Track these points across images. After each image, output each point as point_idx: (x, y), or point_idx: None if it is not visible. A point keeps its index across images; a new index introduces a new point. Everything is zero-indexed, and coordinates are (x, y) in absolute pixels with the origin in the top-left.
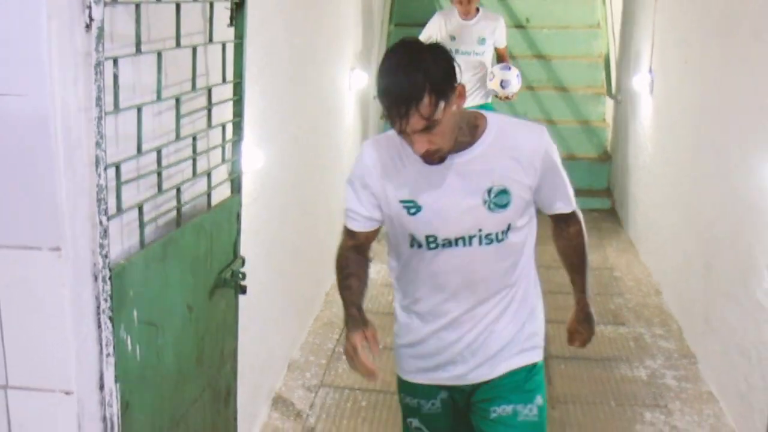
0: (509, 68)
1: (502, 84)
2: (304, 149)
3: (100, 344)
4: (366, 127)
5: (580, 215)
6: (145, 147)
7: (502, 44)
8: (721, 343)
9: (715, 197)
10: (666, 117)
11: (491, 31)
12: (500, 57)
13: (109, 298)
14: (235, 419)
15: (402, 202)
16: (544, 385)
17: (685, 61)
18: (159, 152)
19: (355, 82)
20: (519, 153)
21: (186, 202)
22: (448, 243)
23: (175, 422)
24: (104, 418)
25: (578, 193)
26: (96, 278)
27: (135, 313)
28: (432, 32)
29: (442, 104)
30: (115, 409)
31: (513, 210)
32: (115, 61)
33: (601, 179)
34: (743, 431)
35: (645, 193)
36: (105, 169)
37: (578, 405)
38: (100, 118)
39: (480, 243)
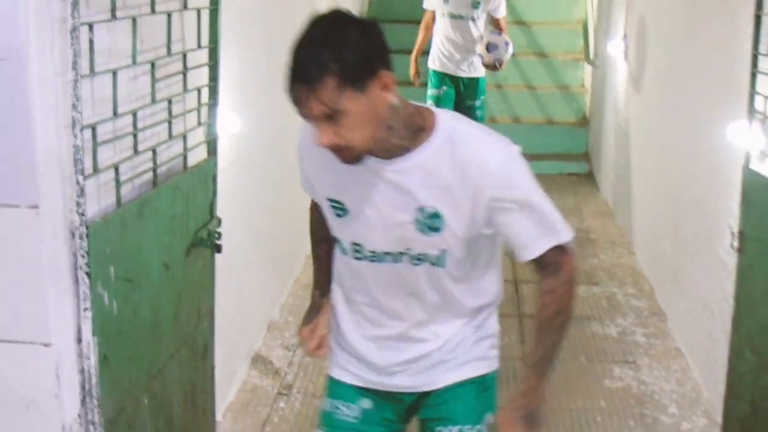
0: (500, 33)
1: (488, 47)
2: (282, 115)
3: (78, 299)
4: None
5: (568, 271)
6: (120, 110)
7: (499, 13)
8: (688, 301)
9: (682, 160)
10: (638, 82)
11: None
12: (497, 29)
13: (86, 255)
14: (213, 375)
15: (329, 200)
16: (495, 401)
17: (656, 26)
18: (135, 115)
19: None
20: (465, 176)
21: (162, 163)
22: (369, 255)
23: (152, 375)
24: (82, 370)
25: (557, 157)
26: (73, 235)
27: (112, 269)
28: None
29: (350, 91)
30: (92, 361)
31: (448, 238)
32: (91, 27)
33: (579, 143)
34: (707, 384)
35: (620, 156)
36: (81, 130)
37: None
38: (75, 82)
39: (411, 263)
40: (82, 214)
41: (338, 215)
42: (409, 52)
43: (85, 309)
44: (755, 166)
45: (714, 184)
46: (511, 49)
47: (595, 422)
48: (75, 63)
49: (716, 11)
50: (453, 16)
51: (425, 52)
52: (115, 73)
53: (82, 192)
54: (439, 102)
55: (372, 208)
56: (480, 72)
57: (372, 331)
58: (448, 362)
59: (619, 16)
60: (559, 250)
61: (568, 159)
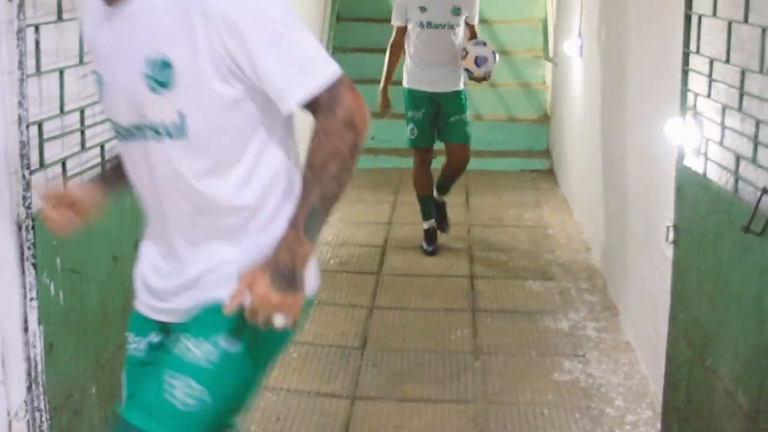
0: (484, 44)
1: (477, 61)
2: None
3: (24, 289)
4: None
5: (344, 109)
6: (68, 107)
7: (475, 20)
8: (637, 295)
9: (629, 156)
10: (593, 79)
11: (467, 0)
12: (471, 36)
13: (32, 246)
14: None
15: (95, 72)
16: (235, 332)
17: (607, 24)
18: (82, 112)
19: None
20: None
21: (110, 159)
22: (124, 134)
23: (100, 365)
24: (28, 358)
25: (519, 154)
26: (20, 227)
27: (58, 260)
28: (395, 10)
29: None
30: (38, 349)
31: (182, 93)
32: (37, 28)
33: (541, 140)
34: (653, 377)
35: (578, 153)
36: (27, 127)
37: (500, 355)
38: (22, 80)
39: (154, 137)
40: (29, 207)
41: (99, 89)
42: (376, 81)
43: (32, 299)
44: (689, 161)
45: (656, 179)
46: (498, 59)
47: (542, 415)
48: (21, 62)
49: (658, 10)
50: (431, 26)
51: (397, 82)
52: (62, 72)
53: (28, 186)
54: (419, 125)
55: (109, 67)
56: (461, 84)
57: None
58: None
59: (575, 14)
60: (331, 89)
61: (530, 156)
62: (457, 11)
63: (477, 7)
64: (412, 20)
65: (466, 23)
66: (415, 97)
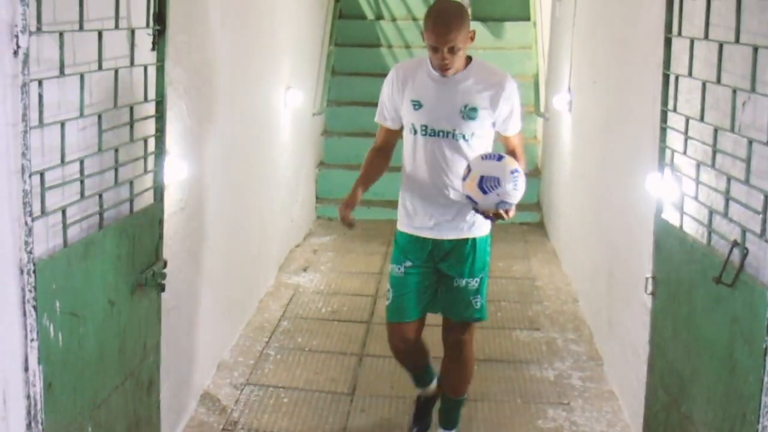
0: (499, 158)
1: (483, 185)
2: (237, 163)
3: (25, 330)
4: (304, 143)
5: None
6: (69, 158)
7: (511, 130)
8: (620, 345)
9: (614, 209)
10: (581, 134)
11: (489, 97)
12: (509, 152)
13: (33, 290)
14: (158, 408)
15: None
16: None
17: (594, 81)
18: (82, 162)
19: (291, 100)
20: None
21: (108, 207)
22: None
23: (96, 405)
24: (28, 396)
25: None
26: (22, 271)
27: (58, 303)
28: (385, 99)
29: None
30: (38, 388)
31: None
32: (40, 83)
33: (531, 194)
34: (635, 426)
35: (566, 206)
36: (30, 176)
37: (486, 402)
38: (25, 132)
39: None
40: (30, 252)
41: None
42: (354, 167)
43: (32, 339)
44: (666, 214)
45: (638, 232)
46: (522, 183)
47: None
48: (25, 115)
49: (640, 69)
50: (430, 133)
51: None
52: (63, 124)
53: (30, 232)
54: (400, 288)
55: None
56: (479, 229)
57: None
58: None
59: (564, 70)
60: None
61: (520, 209)
62: (471, 113)
63: (512, 109)
64: (406, 120)
65: (500, 133)
66: (402, 243)
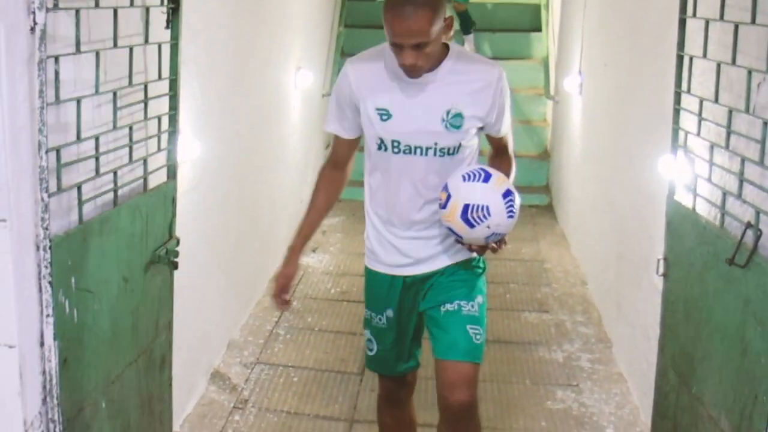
0: (485, 177)
1: (467, 215)
2: (247, 143)
3: (41, 306)
4: (314, 124)
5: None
6: (84, 135)
7: (503, 131)
8: (630, 327)
9: (625, 192)
10: (591, 116)
11: (477, 96)
12: (496, 156)
13: (49, 266)
14: (170, 386)
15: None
16: None
17: (605, 63)
18: (97, 139)
19: (301, 81)
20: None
21: (123, 185)
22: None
23: (110, 381)
24: (44, 372)
25: (519, 189)
26: (38, 247)
27: (73, 280)
28: (342, 103)
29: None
30: (53, 363)
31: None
32: (56, 59)
33: (540, 176)
34: (644, 407)
35: (576, 188)
36: (46, 152)
37: (495, 383)
38: (42, 109)
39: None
40: (46, 229)
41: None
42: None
43: (48, 315)
44: (679, 196)
45: (649, 214)
46: (518, 207)
47: None
48: (41, 92)
49: (653, 51)
50: (405, 150)
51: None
52: (79, 102)
53: (46, 208)
54: (382, 338)
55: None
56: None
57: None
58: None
59: (575, 52)
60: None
61: (530, 191)
62: (455, 120)
63: (504, 107)
64: (367, 134)
65: (489, 137)
66: (375, 286)
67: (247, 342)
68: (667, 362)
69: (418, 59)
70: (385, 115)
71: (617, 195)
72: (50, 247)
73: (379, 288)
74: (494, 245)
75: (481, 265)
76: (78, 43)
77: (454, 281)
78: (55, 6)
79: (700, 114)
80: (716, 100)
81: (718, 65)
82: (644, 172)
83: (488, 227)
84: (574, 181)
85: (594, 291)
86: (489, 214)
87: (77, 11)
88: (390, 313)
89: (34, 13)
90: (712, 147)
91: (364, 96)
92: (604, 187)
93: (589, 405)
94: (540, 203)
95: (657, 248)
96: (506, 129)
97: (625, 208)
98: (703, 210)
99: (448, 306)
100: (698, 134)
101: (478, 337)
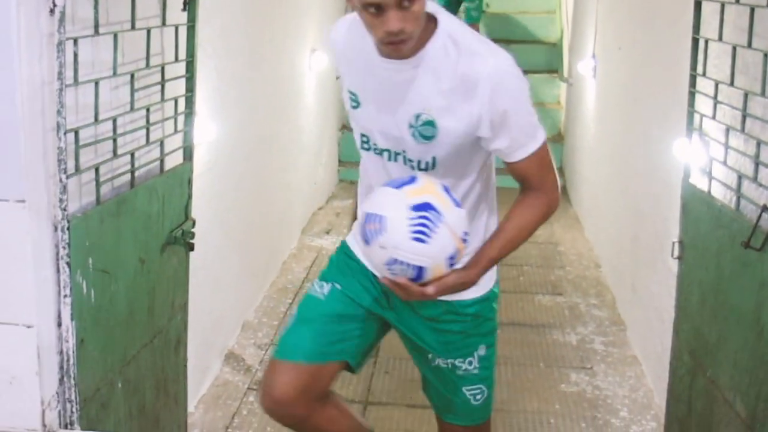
0: (400, 184)
1: (366, 229)
2: (261, 126)
3: (59, 286)
4: (328, 106)
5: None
6: (102, 116)
7: (518, 153)
8: (644, 310)
9: (640, 174)
10: (605, 99)
11: (463, 99)
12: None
13: (67, 246)
14: (185, 367)
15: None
16: None
17: (619, 47)
18: (114, 121)
19: (316, 63)
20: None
21: (140, 166)
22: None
23: (126, 361)
24: (61, 351)
25: None
26: (56, 228)
27: (90, 260)
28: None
29: None
30: (71, 343)
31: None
32: (75, 41)
33: (554, 159)
34: (658, 390)
35: (589, 171)
36: (65, 133)
37: (509, 366)
38: (60, 90)
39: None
40: (64, 209)
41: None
42: None
43: (65, 296)
44: (694, 179)
45: (664, 197)
46: (443, 233)
47: (548, 423)
48: (60, 73)
49: (667, 34)
50: (374, 150)
51: None
52: (97, 83)
53: (64, 189)
54: (307, 313)
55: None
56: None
57: None
58: None
59: (588, 35)
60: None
61: None
62: (425, 129)
63: (510, 117)
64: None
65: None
66: (344, 261)
67: (262, 323)
68: (681, 345)
69: (406, 22)
70: (354, 102)
71: (631, 178)
72: (68, 228)
73: (351, 267)
74: (395, 280)
75: (495, 302)
76: (96, 25)
77: (451, 325)
78: None
79: (715, 97)
80: (732, 83)
81: (734, 48)
82: (659, 155)
83: (383, 247)
84: (587, 163)
85: (608, 274)
86: (383, 229)
87: None
88: (338, 286)
89: None
90: (727, 130)
91: (342, 71)
92: (618, 170)
93: (603, 388)
94: None
95: (672, 231)
96: (524, 151)
97: (639, 191)
98: (719, 193)
99: (436, 360)
100: (713, 117)
101: (479, 397)
